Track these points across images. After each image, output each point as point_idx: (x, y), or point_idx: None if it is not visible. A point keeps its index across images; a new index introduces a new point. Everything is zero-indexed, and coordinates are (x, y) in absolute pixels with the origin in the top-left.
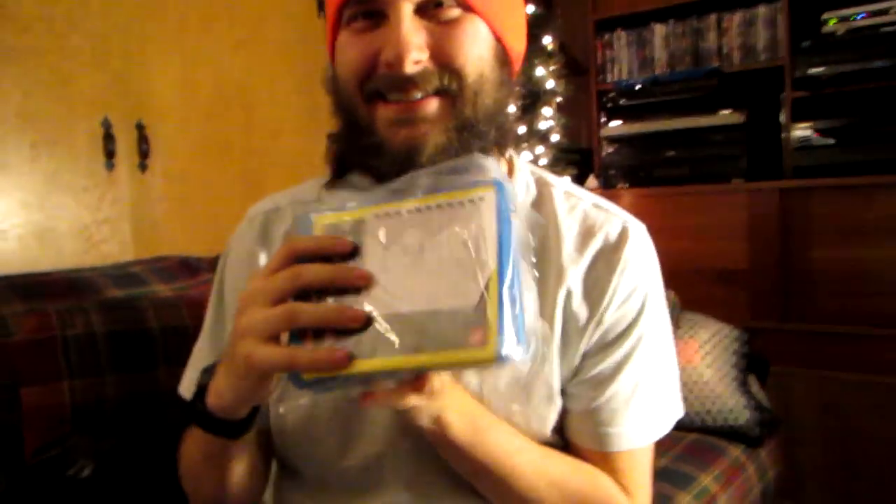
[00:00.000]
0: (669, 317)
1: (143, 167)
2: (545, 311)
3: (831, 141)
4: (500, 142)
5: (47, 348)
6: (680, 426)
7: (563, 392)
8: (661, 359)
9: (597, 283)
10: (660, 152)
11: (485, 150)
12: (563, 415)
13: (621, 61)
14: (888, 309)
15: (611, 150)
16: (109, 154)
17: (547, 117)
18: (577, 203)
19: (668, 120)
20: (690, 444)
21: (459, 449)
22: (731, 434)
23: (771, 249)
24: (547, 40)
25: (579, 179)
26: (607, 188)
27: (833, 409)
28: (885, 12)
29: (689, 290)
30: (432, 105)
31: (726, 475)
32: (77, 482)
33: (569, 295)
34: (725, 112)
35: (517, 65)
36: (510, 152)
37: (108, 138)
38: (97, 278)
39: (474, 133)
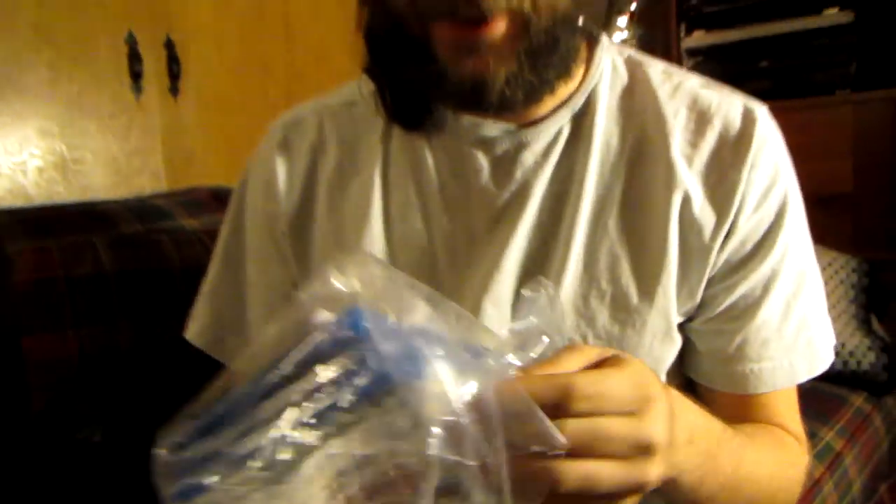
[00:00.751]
0: None
1: (174, 91)
2: (653, 222)
3: None
4: (589, 32)
5: (49, 291)
6: None
7: (685, 327)
8: (810, 273)
9: (722, 180)
10: (750, 63)
11: (567, 62)
12: (689, 355)
13: None
14: None
15: (693, 64)
16: (136, 76)
17: (622, 29)
18: (680, 83)
19: (761, 26)
20: (807, 392)
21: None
22: (854, 380)
23: (882, 170)
24: None
25: None
26: None
27: None
28: None
29: None
30: (500, 27)
31: (850, 429)
32: (86, 446)
33: (686, 200)
34: (831, 11)
35: None
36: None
37: (134, 57)
38: (117, 211)
39: (551, 47)
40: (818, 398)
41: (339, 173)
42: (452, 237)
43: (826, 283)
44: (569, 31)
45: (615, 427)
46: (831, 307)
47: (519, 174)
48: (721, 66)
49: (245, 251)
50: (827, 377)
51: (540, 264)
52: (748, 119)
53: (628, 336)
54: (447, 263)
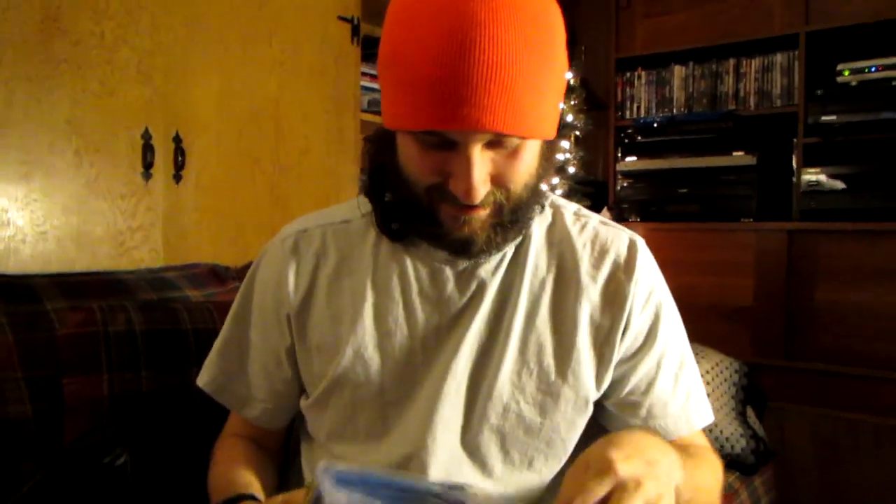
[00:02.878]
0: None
1: (177, 178)
2: (568, 320)
3: (840, 186)
4: (540, 202)
5: (90, 342)
6: None
7: (605, 412)
8: (687, 354)
9: (616, 294)
10: (673, 189)
11: (523, 227)
12: (613, 423)
13: (640, 99)
14: (887, 352)
15: (625, 184)
16: (148, 165)
17: (565, 150)
18: (586, 222)
19: (683, 158)
20: None
21: None
22: (727, 461)
23: (776, 289)
24: (569, 75)
25: (594, 212)
26: (620, 221)
27: (829, 447)
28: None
29: (695, 324)
30: (484, 211)
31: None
32: (112, 469)
33: (592, 308)
34: (738, 153)
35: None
36: None
37: (148, 149)
38: (133, 280)
39: (518, 218)
40: None
41: (336, 274)
42: (426, 328)
43: (712, 381)
44: (527, 213)
45: None
46: (715, 399)
47: (475, 285)
48: (648, 188)
49: (251, 322)
50: None
51: (489, 348)
52: (632, 249)
53: (549, 403)
54: (421, 348)
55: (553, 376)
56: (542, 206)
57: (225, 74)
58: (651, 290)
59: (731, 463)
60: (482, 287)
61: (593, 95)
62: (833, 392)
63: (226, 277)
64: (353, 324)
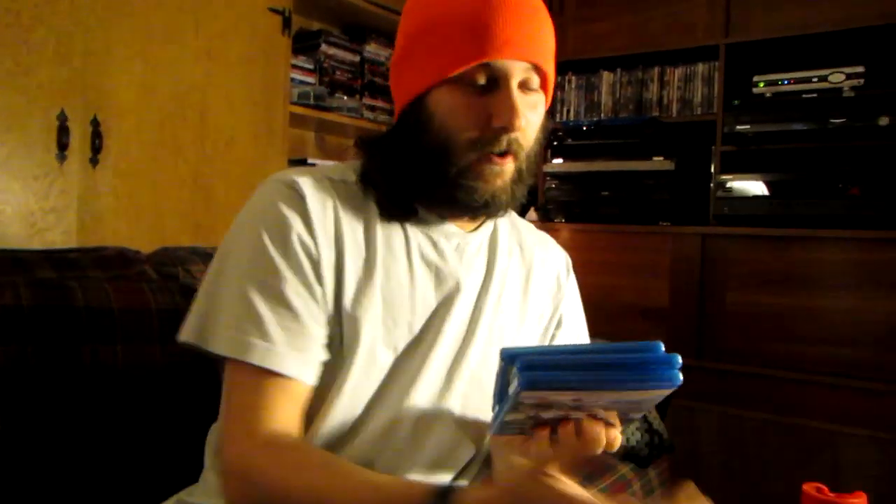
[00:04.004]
0: None
1: (94, 162)
2: (524, 302)
3: (753, 193)
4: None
5: None
6: None
7: None
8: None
9: (557, 292)
10: (596, 191)
11: (525, 191)
12: None
13: (570, 103)
14: (795, 354)
15: (552, 185)
16: (62, 146)
17: None
18: (531, 229)
19: (607, 162)
20: (584, 460)
21: None
22: (623, 453)
23: (690, 290)
24: None
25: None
26: (545, 221)
27: (736, 444)
28: (807, 80)
29: (612, 322)
30: (510, 161)
31: (612, 489)
32: None
33: (540, 296)
34: (658, 159)
35: None
36: None
37: (63, 131)
38: (34, 259)
39: (523, 179)
40: (592, 464)
41: (350, 221)
42: (427, 289)
43: None
44: (531, 169)
45: None
46: None
47: (466, 259)
48: (574, 190)
49: (280, 265)
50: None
51: (472, 319)
52: (567, 262)
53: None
54: (421, 310)
55: (515, 335)
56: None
57: (148, 60)
58: (577, 298)
59: (626, 454)
60: (470, 260)
61: None
62: (741, 392)
63: (134, 261)
64: (366, 282)
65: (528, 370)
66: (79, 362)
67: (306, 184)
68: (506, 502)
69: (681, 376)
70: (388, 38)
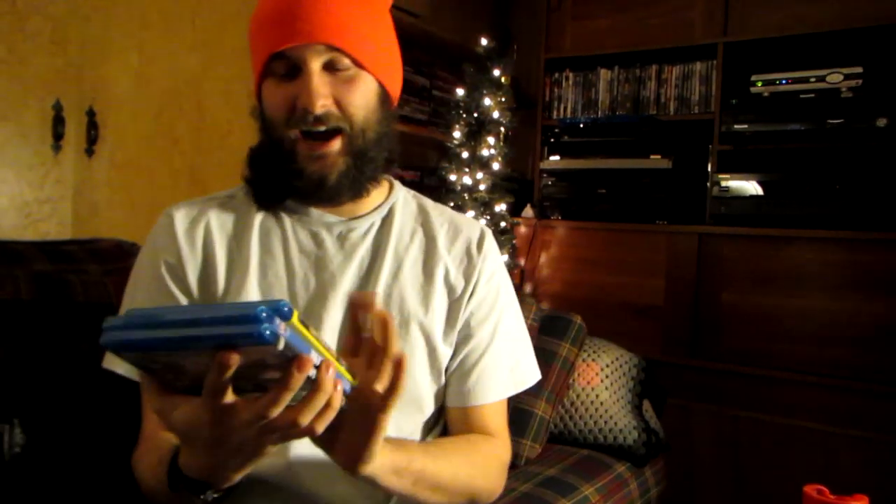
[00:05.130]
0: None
1: (90, 152)
2: (427, 276)
3: (749, 193)
4: (389, 159)
5: None
6: (574, 442)
7: (447, 370)
8: (519, 329)
9: (468, 264)
10: (592, 189)
11: (375, 171)
12: (447, 385)
13: (567, 100)
14: (787, 354)
15: (549, 182)
16: (58, 136)
17: (490, 145)
18: (443, 211)
19: (604, 159)
20: (580, 458)
21: (395, 492)
22: (619, 452)
23: (686, 289)
24: (497, 73)
25: (517, 208)
26: (542, 218)
27: (730, 444)
28: (805, 80)
29: (607, 320)
30: (336, 144)
31: (608, 488)
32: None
33: (447, 272)
34: (655, 157)
35: (396, 99)
36: (388, 178)
37: (59, 121)
38: (30, 251)
39: (366, 158)
40: (588, 462)
41: (223, 237)
42: (306, 281)
43: (611, 374)
44: (375, 150)
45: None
46: (612, 392)
47: (348, 246)
48: (570, 187)
49: (148, 292)
50: (600, 447)
51: (368, 284)
52: (482, 235)
53: (406, 349)
54: (303, 295)
55: (411, 323)
56: (388, 160)
57: (144, 51)
58: (494, 270)
59: (623, 454)
60: (353, 247)
61: (522, 94)
62: (735, 391)
63: (130, 254)
64: (240, 280)
65: (112, 329)
66: (78, 358)
67: (179, 208)
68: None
69: (270, 330)
70: None
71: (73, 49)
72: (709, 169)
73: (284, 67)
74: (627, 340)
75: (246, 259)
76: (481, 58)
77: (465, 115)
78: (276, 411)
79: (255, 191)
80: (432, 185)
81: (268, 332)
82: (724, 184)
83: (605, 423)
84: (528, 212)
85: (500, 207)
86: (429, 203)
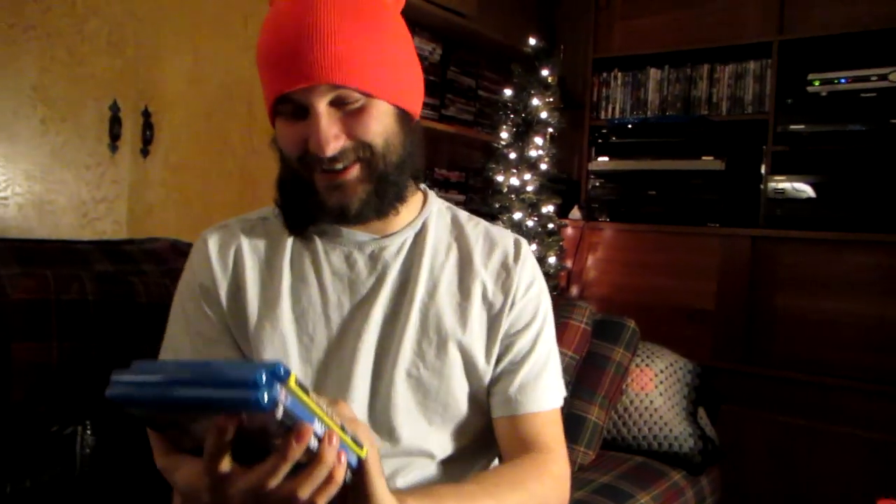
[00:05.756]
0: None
1: (144, 153)
2: (464, 294)
3: (806, 195)
4: (415, 177)
5: (41, 309)
6: (628, 449)
7: (490, 379)
8: (555, 343)
9: (506, 278)
10: (642, 190)
11: (400, 193)
12: (490, 396)
13: (615, 100)
14: (843, 360)
15: (596, 183)
16: (114, 137)
17: (538, 146)
18: (478, 223)
19: (653, 160)
20: (635, 465)
21: None
22: (675, 460)
23: (739, 293)
24: (545, 73)
25: (563, 210)
26: (589, 220)
27: (783, 452)
28: (865, 79)
29: (657, 324)
30: (354, 171)
31: (664, 496)
32: (59, 439)
33: (484, 288)
34: (707, 158)
35: (418, 110)
36: (424, 186)
37: (115, 121)
38: (91, 251)
39: (389, 182)
40: (643, 470)
41: (257, 261)
42: (339, 305)
43: (665, 380)
44: (398, 173)
45: None
46: (667, 399)
47: (381, 265)
48: (619, 188)
49: (186, 315)
50: (654, 454)
51: (394, 321)
52: (518, 246)
53: (445, 368)
54: (337, 319)
55: (448, 343)
56: (416, 178)
57: (198, 52)
58: (532, 280)
59: (679, 462)
60: (386, 266)
61: (569, 94)
62: (789, 398)
63: (185, 254)
64: (272, 306)
65: (118, 384)
66: (137, 359)
67: (213, 232)
68: None
69: (268, 396)
70: (431, 31)
71: (130, 50)
72: (762, 170)
73: (291, 108)
74: (677, 345)
75: (277, 285)
76: (529, 57)
77: (512, 116)
78: (274, 482)
79: (284, 217)
80: (477, 186)
81: (264, 399)
82: (779, 186)
83: (660, 429)
84: (576, 213)
85: (548, 209)
86: (463, 215)
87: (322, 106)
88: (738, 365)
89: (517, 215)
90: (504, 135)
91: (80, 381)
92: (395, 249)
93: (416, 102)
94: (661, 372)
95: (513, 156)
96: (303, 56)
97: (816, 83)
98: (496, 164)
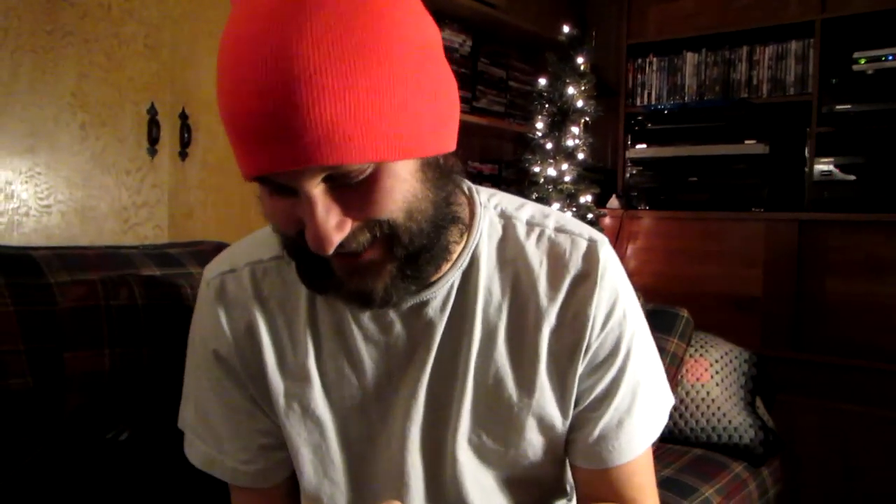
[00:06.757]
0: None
1: (182, 155)
2: (528, 348)
3: (852, 177)
4: (455, 219)
5: (92, 316)
6: (686, 441)
7: (568, 422)
8: (648, 362)
9: (577, 314)
10: (682, 177)
11: (440, 254)
12: (568, 443)
13: (651, 86)
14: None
15: (634, 171)
16: (153, 140)
17: (575, 135)
18: (541, 232)
19: (693, 146)
20: (695, 458)
21: None
22: (735, 451)
23: (786, 279)
24: (579, 61)
25: (602, 199)
26: (628, 209)
27: (837, 440)
28: None
29: (703, 313)
30: (373, 253)
31: (728, 489)
32: (114, 445)
33: (552, 332)
34: (750, 142)
35: (453, 142)
36: (466, 188)
37: (154, 124)
38: (136, 255)
39: (421, 257)
40: (704, 462)
41: (272, 320)
42: (376, 376)
43: (721, 370)
44: (433, 240)
45: None
46: (724, 389)
47: (423, 323)
48: (658, 176)
49: (203, 382)
50: (714, 446)
51: (447, 387)
52: (591, 258)
53: (512, 435)
54: (374, 397)
55: (515, 409)
56: (457, 225)
57: None
58: (614, 303)
59: (740, 453)
60: (429, 326)
61: (604, 82)
62: (842, 385)
63: None
64: (298, 380)
65: None
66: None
67: (219, 282)
68: None
69: None
70: (460, 23)
71: (166, 52)
72: (806, 153)
73: (274, 185)
74: (725, 334)
75: (303, 356)
76: (562, 46)
77: (547, 105)
78: None
79: (298, 273)
80: (510, 178)
81: None
82: (824, 168)
83: (718, 421)
84: (614, 202)
85: (586, 199)
86: (521, 225)
87: (314, 188)
88: (788, 352)
89: (555, 206)
90: (539, 125)
91: (132, 387)
92: (439, 302)
93: (449, 138)
94: (717, 362)
95: (549, 146)
96: (281, 125)
97: (862, 61)
98: (532, 154)
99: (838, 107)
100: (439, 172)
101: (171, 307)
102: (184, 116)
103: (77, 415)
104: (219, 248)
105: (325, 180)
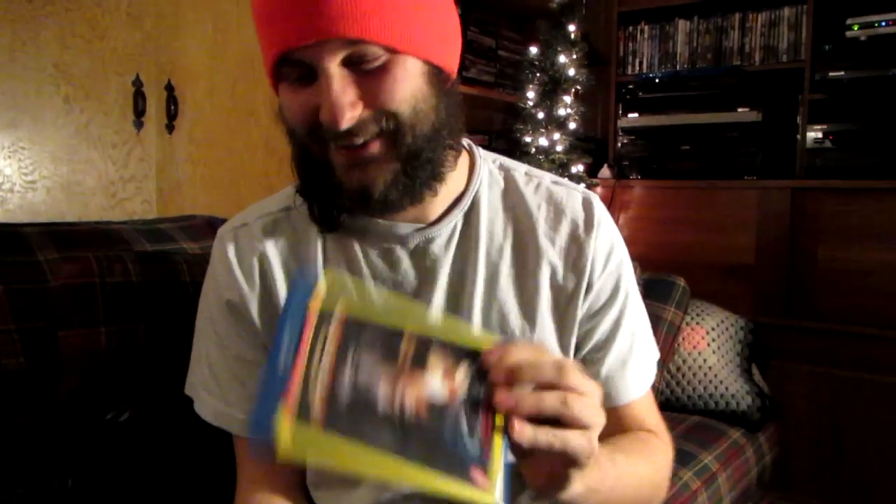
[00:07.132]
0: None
1: (170, 128)
2: (529, 285)
3: (845, 144)
4: (452, 146)
5: (87, 293)
6: (683, 408)
7: None
8: (642, 309)
9: (579, 255)
10: (675, 146)
11: (435, 171)
12: None
13: (642, 54)
14: (889, 311)
15: (626, 141)
16: (139, 113)
17: (566, 105)
18: (539, 183)
19: (685, 115)
20: (693, 425)
21: None
22: (733, 418)
23: (779, 247)
24: (571, 29)
25: (593, 169)
26: (620, 178)
27: (828, 405)
28: None
29: (697, 281)
30: (376, 147)
31: (726, 455)
32: (114, 426)
33: (553, 271)
34: (743, 110)
35: (455, 66)
36: (466, 143)
37: (139, 96)
38: (127, 231)
39: (420, 160)
40: (702, 429)
41: (285, 268)
42: None
43: (718, 338)
44: (432, 147)
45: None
46: (721, 356)
47: (429, 262)
48: (650, 145)
49: (214, 336)
50: (711, 413)
51: (460, 300)
52: (588, 207)
53: None
54: None
55: (521, 340)
56: (454, 149)
57: (219, 21)
58: (611, 247)
59: (737, 420)
60: (435, 263)
61: (594, 50)
62: (833, 351)
63: None
64: None
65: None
66: (185, 340)
67: (231, 235)
68: None
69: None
70: None
71: (149, 22)
72: (798, 120)
73: (297, 72)
74: (718, 301)
75: None
76: (553, 14)
77: (539, 74)
78: None
79: (310, 210)
80: (501, 149)
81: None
82: (817, 135)
83: (716, 388)
84: (606, 172)
85: (577, 168)
86: (520, 175)
87: (334, 66)
88: (780, 319)
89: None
90: (530, 94)
91: (130, 365)
92: (444, 241)
93: (452, 56)
94: (713, 329)
95: (540, 115)
96: (307, 2)
97: (855, 27)
98: (523, 124)
99: (831, 74)
100: (443, 89)
101: (167, 283)
102: (170, 88)
103: (75, 395)
104: (210, 222)
105: (344, 62)
